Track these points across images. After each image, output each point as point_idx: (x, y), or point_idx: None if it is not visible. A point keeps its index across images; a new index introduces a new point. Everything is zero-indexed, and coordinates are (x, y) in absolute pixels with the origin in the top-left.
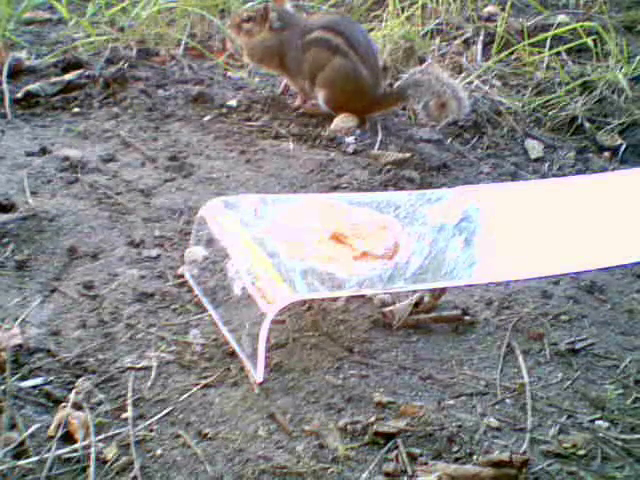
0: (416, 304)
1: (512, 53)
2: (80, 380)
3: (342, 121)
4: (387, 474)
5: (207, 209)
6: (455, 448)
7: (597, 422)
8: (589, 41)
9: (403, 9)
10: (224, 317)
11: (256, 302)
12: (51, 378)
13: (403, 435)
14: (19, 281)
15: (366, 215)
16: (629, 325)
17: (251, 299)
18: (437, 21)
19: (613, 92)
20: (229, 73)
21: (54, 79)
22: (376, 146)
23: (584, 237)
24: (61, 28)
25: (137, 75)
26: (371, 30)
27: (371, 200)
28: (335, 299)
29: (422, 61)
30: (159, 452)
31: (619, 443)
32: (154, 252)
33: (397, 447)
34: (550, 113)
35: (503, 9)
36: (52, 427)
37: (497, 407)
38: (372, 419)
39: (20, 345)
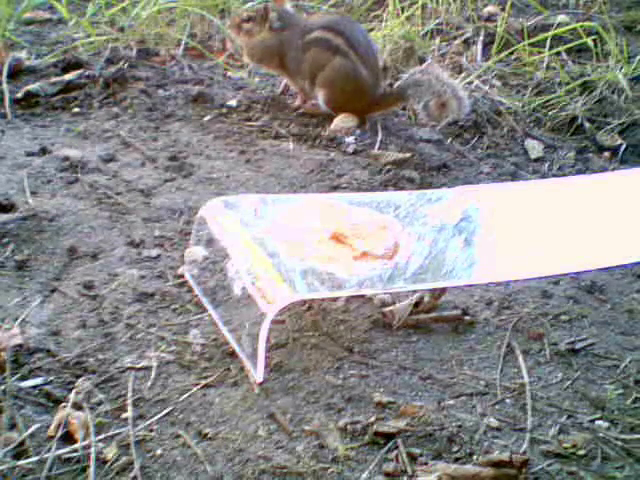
0: (416, 304)
1: (512, 53)
2: (80, 380)
3: (342, 121)
4: (387, 474)
5: (207, 209)
6: (455, 448)
7: (597, 422)
8: (589, 41)
9: (403, 9)
10: (224, 317)
11: (256, 302)
12: (51, 378)
13: (403, 435)
14: (19, 281)
15: (366, 215)
16: (629, 325)
17: (251, 299)
18: (437, 21)
19: (613, 92)
20: (229, 73)
21: (54, 79)
22: (376, 146)
23: (584, 237)
24: (61, 28)
25: (137, 75)
26: (371, 30)
27: (371, 200)
28: (335, 299)
29: (422, 61)
30: (159, 452)
31: (619, 443)
32: (154, 252)
33: (397, 447)
34: (550, 113)
35: (503, 9)
36: (52, 427)
37: (497, 407)
38: (372, 419)
39: (20, 345)
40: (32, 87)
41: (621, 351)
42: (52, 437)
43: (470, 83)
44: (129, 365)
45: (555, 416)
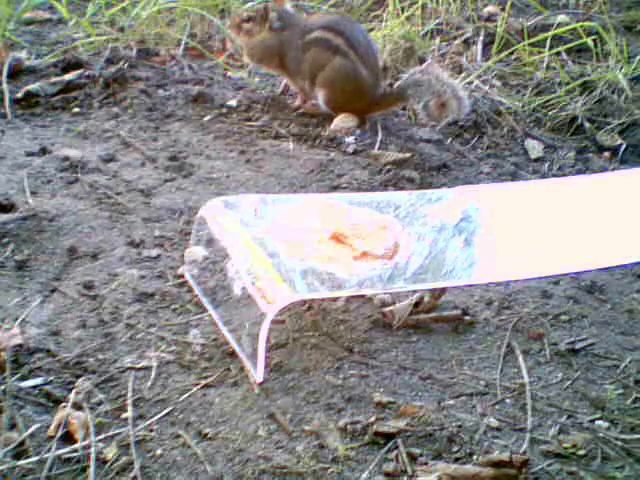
0: (416, 304)
1: (512, 53)
2: (80, 380)
3: (342, 121)
4: (387, 474)
5: (207, 209)
6: (455, 448)
7: (597, 422)
8: (589, 41)
9: (403, 9)
10: (224, 317)
11: (256, 302)
12: (51, 378)
13: (403, 435)
14: (19, 281)
15: (366, 215)
16: (629, 325)
17: (251, 299)
18: (437, 21)
19: (613, 92)
20: (229, 73)
21: (54, 79)
22: (376, 146)
23: (584, 237)
24: (61, 28)
25: (137, 75)
26: (371, 30)
27: (371, 200)
28: (335, 299)
29: (422, 61)
30: (159, 452)
31: (619, 443)
32: (154, 252)
33: (397, 447)
34: (550, 113)
35: (503, 9)
36: (52, 427)
37: (497, 407)
38: (372, 419)
39: (20, 345)
40: (32, 87)
41: (621, 351)
42: (52, 437)
43: (470, 83)
44: (129, 365)
45: (555, 416)
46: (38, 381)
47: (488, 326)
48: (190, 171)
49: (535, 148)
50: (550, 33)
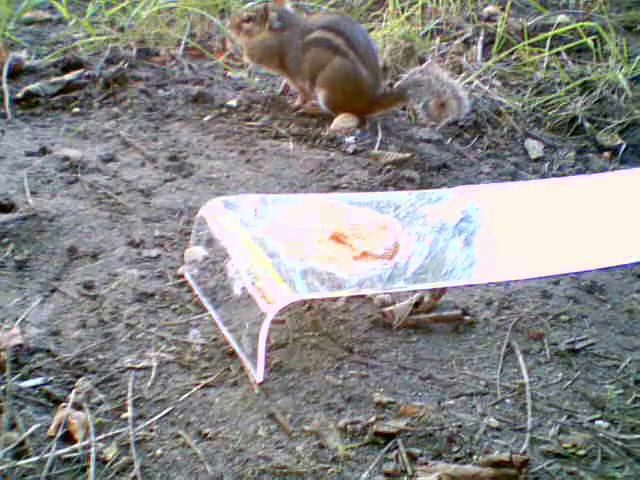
0: (416, 304)
1: (512, 53)
2: (80, 380)
3: (342, 121)
4: (387, 474)
5: (207, 209)
6: (455, 448)
7: (597, 422)
8: (589, 41)
9: (403, 9)
10: (224, 317)
11: (256, 302)
12: (51, 378)
13: (403, 435)
14: (19, 281)
15: (366, 215)
16: (629, 325)
17: (251, 299)
18: (437, 21)
19: (613, 92)
20: (229, 73)
21: (54, 79)
22: (376, 146)
23: (584, 237)
24: (61, 28)
25: (137, 75)
26: (371, 30)
27: (371, 200)
28: (335, 299)
29: (422, 61)
30: (159, 452)
31: (619, 443)
32: (154, 252)
33: (397, 447)
34: (550, 113)
35: (503, 9)
36: (52, 427)
37: (497, 407)
38: (372, 419)
39: (20, 345)
40: (32, 87)
41: (621, 351)
42: (52, 437)
43: (470, 83)
44: (129, 365)
45: (555, 416)
46: (38, 381)
47: (488, 326)
48: (190, 171)
49: (535, 148)
50: (550, 33)
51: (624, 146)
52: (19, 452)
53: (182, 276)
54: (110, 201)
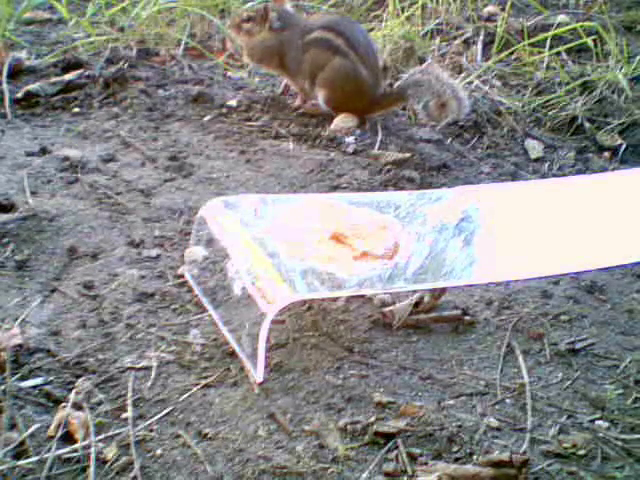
0: (416, 304)
1: (512, 53)
2: (80, 380)
3: (342, 121)
4: (387, 474)
5: (207, 209)
6: (455, 448)
7: (597, 422)
8: (589, 41)
9: (403, 9)
10: (224, 317)
11: (256, 302)
12: (51, 378)
13: (403, 435)
14: (19, 281)
15: (366, 215)
16: (629, 325)
17: (251, 299)
18: (437, 21)
19: (613, 92)
20: (229, 73)
21: (54, 79)
22: (376, 146)
23: (584, 237)
24: (61, 28)
25: (137, 75)
26: (371, 30)
27: (371, 200)
28: (335, 299)
29: (422, 61)
30: (159, 452)
31: (619, 443)
32: (154, 252)
33: (397, 447)
34: (550, 113)
35: (503, 9)
36: (52, 427)
37: (497, 407)
38: (372, 419)
39: (20, 345)
40: (32, 87)
41: (621, 351)
42: (52, 437)
43: (470, 83)
44: (129, 365)
45: (555, 416)
46: (38, 381)
47: (488, 326)
48: (190, 171)
49: (535, 148)
50: (550, 33)
51: (624, 146)
52: (19, 452)
53: (182, 276)
54: (110, 201)
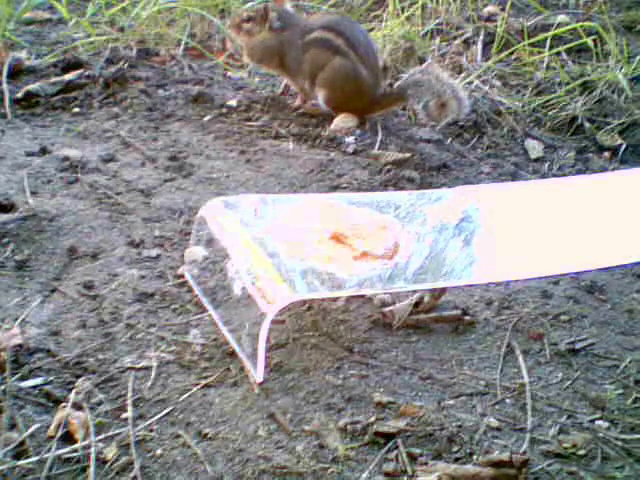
0: (416, 304)
1: (512, 53)
2: (80, 380)
3: (342, 121)
4: (387, 474)
5: (207, 209)
6: (455, 448)
7: (597, 422)
8: (589, 41)
9: (403, 9)
10: (224, 317)
11: (256, 302)
12: (51, 378)
13: (403, 435)
14: (19, 281)
15: (366, 215)
16: (629, 325)
17: (251, 299)
18: (437, 21)
19: (613, 92)
20: (229, 73)
21: (54, 79)
22: (376, 146)
23: (584, 237)
24: (61, 28)
25: (137, 75)
26: (371, 30)
27: (371, 200)
28: (335, 299)
29: (422, 61)
30: (159, 452)
31: (619, 443)
32: (154, 252)
33: (397, 447)
34: (550, 113)
35: (503, 9)
36: (52, 427)
37: (497, 407)
38: (372, 419)
39: (20, 345)
40: (32, 87)
41: (621, 351)
42: (52, 437)
43: (470, 83)
44: (129, 365)
45: (555, 416)
46: (38, 381)
47: (488, 326)
48: (190, 171)
49: (535, 148)
50: (550, 33)
51: (624, 146)
52: (19, 452)
53: (182, 276)
54: (110, 201)
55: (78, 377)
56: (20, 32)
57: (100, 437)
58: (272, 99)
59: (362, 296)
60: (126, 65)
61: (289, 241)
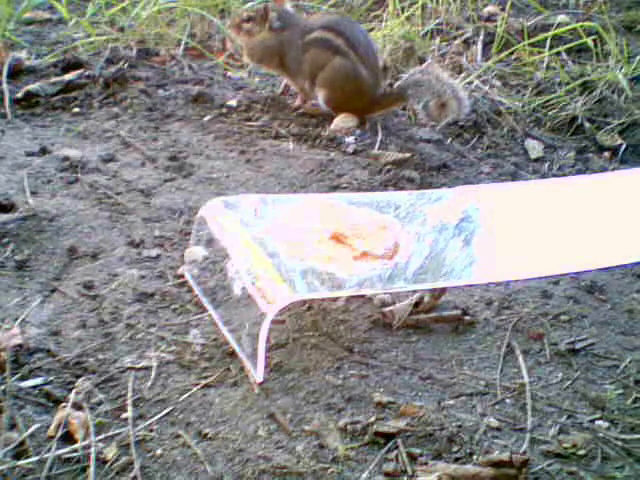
0: (416, 304)
1: (512, 53)
2: (80, 380)
3: (342, 121)
4: (387, 474)
5: (207, 209)
6: (455, 448)
7: (597, 422)
8: (589, 41)
9: (403, 9)
10: (224, 317)
11: (256, 302)
12: (51, 378)
13: (403, 435)
14: (19, 281)
15: (366, 215)
16: (629, 325)
17: (251, 299)
18: (437, 21)
19: (613, 92)
20: (229, 73)
21: (54, 79)
22: (376, 146)
23: (584, 237)
24: (61, 28)
25: (137, 75)
26: (371, 30)
27: (371, 200)
28: (335, 299)
29: (422, 61)
30: (159, 452)
31: (619, 443)
32: (154, 252)
33: (397, 447)
34: (550, 113)
35: (503, 9)
36: (52, 427)
37: (497, 407)
38: (372, 419)
39: (20, 345)
40: (32, 87)
41: (621, 351)
42: (52, 437)
43: (470, 83)
44: (129, 365)
45: (555, 416)
46: (38, 381)
47: (488, 326)
48: (190, 171)
49: (535, 148)
50: (550, 33)
51: (624, 146)
52: (19, 452)
53: (182, 276)
54: (110, 201)
55: (78, 377)
56: (20, 32)
57: (100, 437)
58: (272, 99)
59: (362, 296)
60: (126, 65)
61: (289, 241)
